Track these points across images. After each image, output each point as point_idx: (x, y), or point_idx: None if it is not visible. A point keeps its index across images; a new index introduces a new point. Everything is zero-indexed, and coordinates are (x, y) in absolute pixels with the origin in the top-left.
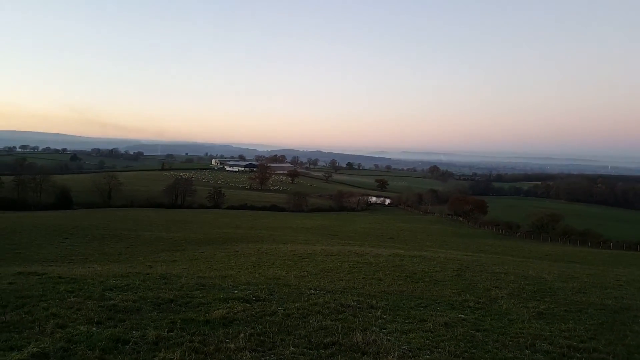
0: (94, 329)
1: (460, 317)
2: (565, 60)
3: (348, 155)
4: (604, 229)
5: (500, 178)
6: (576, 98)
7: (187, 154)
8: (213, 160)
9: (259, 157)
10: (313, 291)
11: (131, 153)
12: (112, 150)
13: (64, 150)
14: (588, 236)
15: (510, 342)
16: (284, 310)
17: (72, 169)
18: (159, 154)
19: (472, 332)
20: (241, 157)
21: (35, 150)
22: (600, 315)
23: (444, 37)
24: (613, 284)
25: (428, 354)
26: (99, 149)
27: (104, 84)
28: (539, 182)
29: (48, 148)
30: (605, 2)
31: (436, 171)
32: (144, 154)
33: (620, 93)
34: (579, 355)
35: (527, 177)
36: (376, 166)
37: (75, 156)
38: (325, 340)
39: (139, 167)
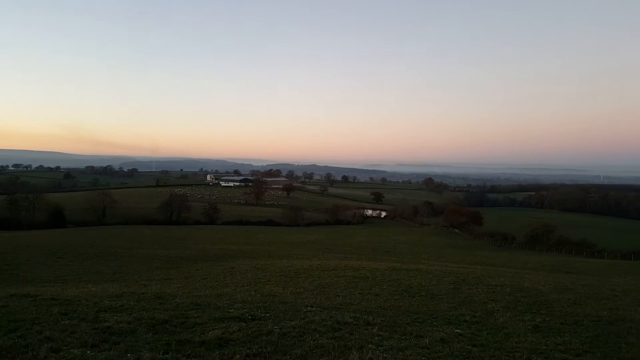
0: (88, 352)
1: (456, 332)
2: (557, 72)
3: (343, 168)
4: (598, 238)
5: (494, 189)
6: (568, 109)
7: (181, 170)
8: (208, 176)
9: (254, 172)
10: (309, 308)
11: (125, 170)
12: (106, 167)
13: (58, 168)
14: (583, 246)
15: (507, 357)
16: (280, 329)
17: (65, 187)
18: (154, 170)
19: (469, 347)
20: (236, 172)
21: (28, 169)
22: (595, 327)
23: (437, 49)
24: (608, 295)
25: None
26: (92, 167)
27: (97, 101)
28: (533, 193)
29: (41, 166)
30: (596, 8)
31: (431, 183)
32: (139, 170)
33: (612, 104)
34: None
35: (521, 188)
36: (371, 179)
37: (68, 174)
38: None
39: (133, 184)
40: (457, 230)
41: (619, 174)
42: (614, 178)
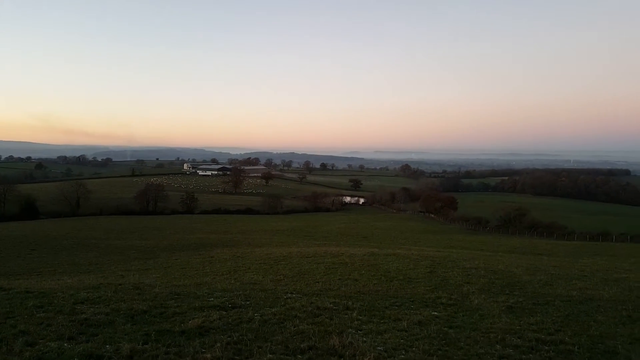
0: (65, 345)
1: (433, 314)
2: (526, 57)
3: (321, 156)
4: (569, 220)
5: (469, 175)
6: (538, 95)
7: (157, 159)
8: (185, 165)
9: (232, 160)
10: (289, 295)
11: (99, 160)
12: (79, 157)
13: (29, 158)
14: (554, 228)
15: (482, 338)
16: (260, 316)
17: (37, 178)
18: (129, 159)
19: (445, 329)
20: (214, 161)
21: None
22: (566, 307)
23: (410, 37)
24: (578, 275)
25: (403, 354)
26: (65, 157)
27: (68, 90)
28: (506, 178)
29: (11, 157)
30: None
31: (408, 170)
32: (113, 160)
33: (580, 89)
34: (546, 347)
35: (495, 173)
36: (349, 166)
37: (40, 164)
38: (302, 345)
39: (107, 174)
40: (433, 215)
41: (588, 158)
42: (583, 162)
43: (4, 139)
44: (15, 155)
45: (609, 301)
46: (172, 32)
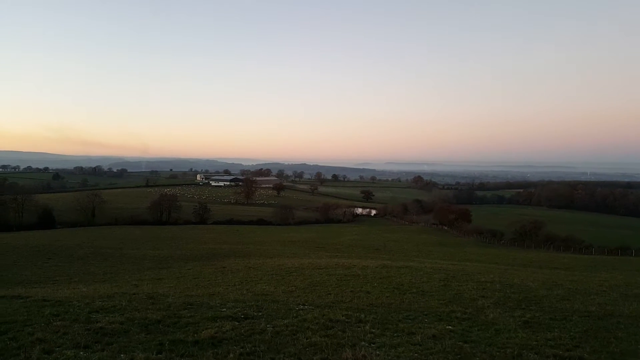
0: (81, 353)
1: (447, 328)
2: (542, 69)
3: (333, 167)
4: (586, 234)
5: (483, 186)
6: (555, 107)
7: (171, 169)
8: (198, 176)
9: (244, 172)
10: (302, 307)
11: (114, 170)
12: (95, 168)
13: (46, 169)
14: (570, 242)
15: (498, 353)
16: (273, 327)
17: (54, 188)
18: (143, 170)
19: (460, 343)
20: (226, 172)
21: (17, 170)
22: (584, 323)
23: (424, 48)
24: (596, 290)
25: None
26: (81, 167)
27: (85, 102)
28: (521, 190)
29: (29, 167)
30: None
31: (420, 181)
32: (128, 171)
33: (598, 101)
34: None
35: (509, 185)
36: (361, 177)
37: (57, 175)
38: (314, 358)
39: (122, 184)
40: (446, 228)
41: (605, 171)
42: (600, 174)
43: (23, 150)
44: (34, 166)
45: (630, 317)
46: (184, 46)
